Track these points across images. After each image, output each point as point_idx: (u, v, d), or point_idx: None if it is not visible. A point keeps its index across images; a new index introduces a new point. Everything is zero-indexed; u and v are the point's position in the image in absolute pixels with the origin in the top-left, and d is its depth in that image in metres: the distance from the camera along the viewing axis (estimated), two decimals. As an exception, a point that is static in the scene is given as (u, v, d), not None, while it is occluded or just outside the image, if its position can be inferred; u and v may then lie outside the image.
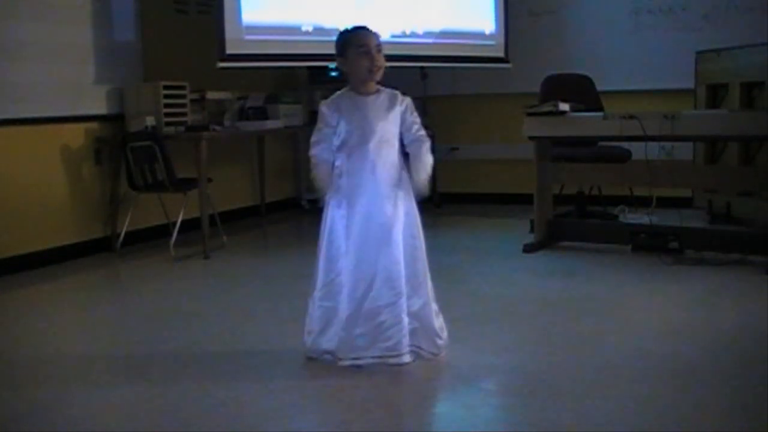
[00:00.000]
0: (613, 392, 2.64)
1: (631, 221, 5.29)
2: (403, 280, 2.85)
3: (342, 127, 2.88)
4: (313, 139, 2.93)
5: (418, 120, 2.96)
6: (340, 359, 2.86)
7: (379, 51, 2.88)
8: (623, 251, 4.79)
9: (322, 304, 2.94)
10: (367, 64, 2.85)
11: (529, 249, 4.92)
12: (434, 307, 2.97)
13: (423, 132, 2.95)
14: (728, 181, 5.20)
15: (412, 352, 2.90)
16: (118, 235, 5.25)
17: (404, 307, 2.84)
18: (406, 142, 2.95)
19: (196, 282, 4.52)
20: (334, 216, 2.91)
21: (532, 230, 5.19)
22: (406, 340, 2.85)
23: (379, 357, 2.84)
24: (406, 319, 2.84)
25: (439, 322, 2.99)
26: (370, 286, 2.82)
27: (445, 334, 3.01)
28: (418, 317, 2.91)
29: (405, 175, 2.93)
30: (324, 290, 2.92)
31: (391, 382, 2.78)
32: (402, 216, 2.89)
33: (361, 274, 2.83)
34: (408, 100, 2.95)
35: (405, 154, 2.97)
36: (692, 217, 5.55)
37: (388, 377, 2.80)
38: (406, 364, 2.85)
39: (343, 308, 2.86)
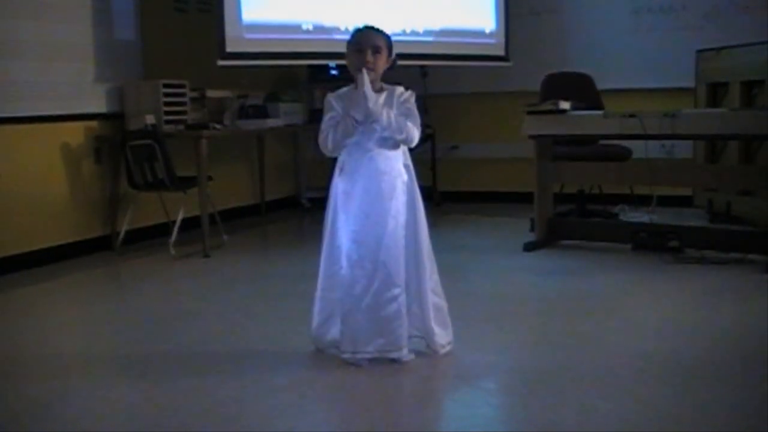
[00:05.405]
0: (613, 392, 2.64)
1: (632, 220, 5.28)
2: (402, 276, 2.85)
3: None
4: (322, 126, 2.87)
5: (415, 114, 2.88)
6: (342, 353, 2.88)
7: (377, 52, 2.85)
8: (623, 250, 4.78)
9: (325, 295, 2.95)
10: (356, 62, 2.85)
11: (529, 248, 4.92)
12: (436, 302, 2.96)
13: (413, 128, 2.86)
14: (728, 180, 5.20)
15: (413, 349, 2.90)
16: (118, 234, 5.25)
17: (404, 301, 2.85)
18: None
19: (196, 281, 4.51)
20: (338, 210, 2.90)
21: (532, 229, 5.18)
22: (406, 335, 2.86)
23: (380, 351, 2.85)
24: (405, 314, 2.85)
25: (443, 318, 2.98)
26: (370, 281, 2.82)
27: (449, 331, 3.00)
28: (419, 315, 2.92)
29: (409, 172, 2.93)
30: (328, 281, 2.94)
31: (391, 380, 2.78)
32: (403, 212, 2.88)
33: (361, 269, 2.83)
34: (408, 93, 2.90)
35: (409, 150, 2.96)
36: (692, 216, 5.55)
37: (389, 375, 2.80)
38: (407, 361, 2.86)
39: (343, 302, 2.87)
